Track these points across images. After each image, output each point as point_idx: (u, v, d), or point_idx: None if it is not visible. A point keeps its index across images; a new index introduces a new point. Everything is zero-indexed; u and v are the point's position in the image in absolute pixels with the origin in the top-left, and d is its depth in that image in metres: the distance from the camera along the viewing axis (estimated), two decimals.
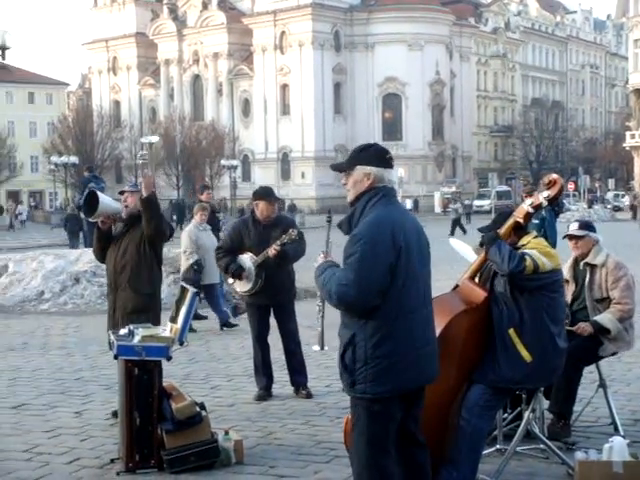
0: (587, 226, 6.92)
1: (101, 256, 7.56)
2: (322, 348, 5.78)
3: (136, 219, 7.27)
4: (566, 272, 6.82)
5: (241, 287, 8.35)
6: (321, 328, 5.49)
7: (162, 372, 6.29)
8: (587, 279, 6.68)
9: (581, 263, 6.78)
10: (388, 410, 4.37)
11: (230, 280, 8.61)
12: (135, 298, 7.17)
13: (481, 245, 5.65)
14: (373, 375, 4.28)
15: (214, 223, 14.02)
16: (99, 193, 7.51)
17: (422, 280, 4.46)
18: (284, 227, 8.12)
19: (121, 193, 7.51)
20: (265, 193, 8.39)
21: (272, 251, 7.94)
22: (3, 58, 22.44)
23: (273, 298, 8.21)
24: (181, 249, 13.13)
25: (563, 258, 5.95)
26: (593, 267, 6.68)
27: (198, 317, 12.64)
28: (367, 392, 4.31)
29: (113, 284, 7.35)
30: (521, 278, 5.34)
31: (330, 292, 4.32)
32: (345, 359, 4.35)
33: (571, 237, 6.80)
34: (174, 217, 47.52)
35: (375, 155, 4.50)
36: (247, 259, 8.17)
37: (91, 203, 7.38)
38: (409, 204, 54.52)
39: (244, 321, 13.37)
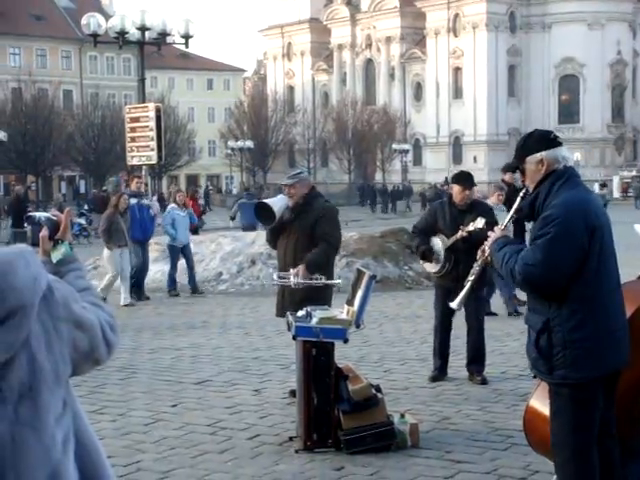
0: None
1: (274, 243, 7.78)
2: (459, 308, 5.66)
3: (302, 207, 7.41)
4: None
5: (430, 268, 8.48)
6: (466, 290, 5.33)
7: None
8: None
9: None
10: (593, 395, 4.28)
11: (422, 260, 8.70)
12: (305, 287, 7.27)
13: None
14: (572, 359, 4.21)
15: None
16: (267, 201, 7.70)
17: (613, 260, 4.37)
18: (479, 213, 8.05)
19: (280, 187, 7.75)
20: (459, 177, 8.51)
21: (459, 236, 7.94)
22: (187, 46, 23.13)
23: (461, 282, 8.18)
24: None
25: None
26: None
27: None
28: (568, 377, 4.24)
29: (284, 271, 7.51)
30: None
31: (513, 271, 4.26)
32: (540, 345, 4.27)
33: None
34: None
35: (539, 139, 4.42)
36: (438, 242, 8.24)
37: (263, 214, 7.56)
38: (597, 188, 52.22)
39: (416, 304, 13.41)
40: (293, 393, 7.19)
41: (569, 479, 4.34)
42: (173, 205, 16.19)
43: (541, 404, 5.02)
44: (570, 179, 4.33)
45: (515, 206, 4.61)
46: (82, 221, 34.56)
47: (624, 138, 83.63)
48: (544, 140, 4.40)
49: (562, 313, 4.22)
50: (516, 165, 4.52)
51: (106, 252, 14.54)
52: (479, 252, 4.74)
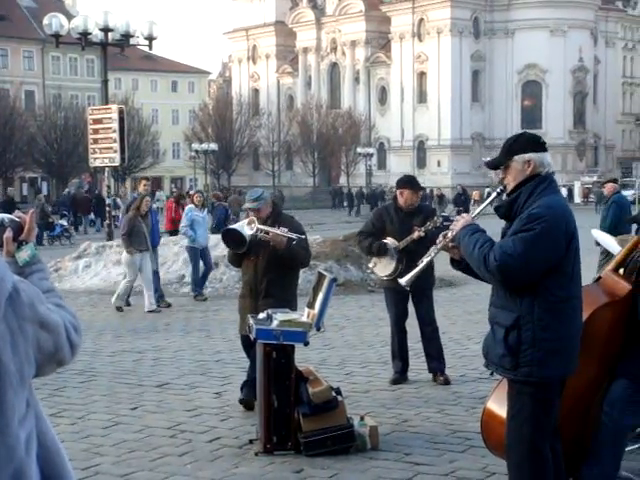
0: None
1: (239, 263, 7.56)
2: (407, 285, 5.41)
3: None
4: None
5: (382, 271, 8.43)
6: (419, 269, 5.26)
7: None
8: None
9: None
10: (553, 395, 4.37)
11: (371, 264, 8.70)
12: (274, 304, 7.08)
13: (634, 221, 5.51)
14: (539, 358, 4.28)
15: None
16: (235, 226, 7.58)
17: (580, 267, 4.49)
18: (425, 215, 8.15)
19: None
20: (410, 182, 8.49)
21: (416, 235, 7.94)
22: (150, 48, 23.04)
23: (413, 284, 8.21)
24: None
25: None
26: None
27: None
28: (532, 375, 4.30)
29: (254, 290, 7.30)
30: None
31: (488, 256, 4.29)
32: (509, 341, 4.32)
33: None
34: None
35: (530, 141, 4.53)
36: (389, 244, 8.25)
37: (231, 239, 7.36)
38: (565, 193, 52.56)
39: (379, 307, 13.45)
40: (241, 401, 7.28)
41: (525, 477, 4.39)
42: (191, 206, 15.83)
43: (498, 407, 5.07)
44: (552, 185, 4.45)
45: (488, 200, 4.68)
46: (64, 222, 34.18)
47: (585, 144, 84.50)
48: (534, 143, 4.51)
49: (534, 311, 4.29)
50: (499, 162, 4.57)
51: (125, 256, 13.95)
52: (440, 236, 4.73)
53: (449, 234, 4.62)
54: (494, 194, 4.62)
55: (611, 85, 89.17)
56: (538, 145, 4.50)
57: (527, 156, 4.42)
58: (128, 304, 14.37)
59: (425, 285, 8.18)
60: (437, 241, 4.79)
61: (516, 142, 4.52)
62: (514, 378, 4.38)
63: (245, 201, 7.52)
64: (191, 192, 17.23)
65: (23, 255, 2.67)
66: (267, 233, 7.02)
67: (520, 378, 4.33)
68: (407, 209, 8.29)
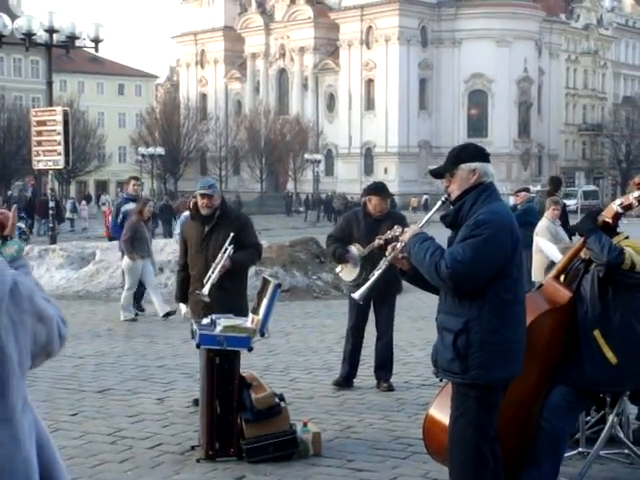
0: None
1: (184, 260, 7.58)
2: (360, 300, 5.55)
3: (219, 219, 7.27)
4: None
5: (347, 277, 8.47)
6: (370, 283, 5.29)
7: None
8: None
9: None
10: (497, 398, 4.44)
11: (338, 268, 8.71)
12: (227, 299, 7.11)
13: (574, 233, 5.59)
14: (487, 361, 4.33)
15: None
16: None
17: (523, 273, 4.62)
18: (393, 222, 8.10)
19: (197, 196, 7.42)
20: (379, 188, 8.52)
21: (377, 243, 7.96)
22: (96, 50, 22.81)
23: (376, 290, 8.22)
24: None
25: None
26: None
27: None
28: (480, 378, 4.35)
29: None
30: (617, 272, 5.27)
31: (439, 263, 4.35)
32: (458, 345, 4.38)
33: None
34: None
35: (477, 152, 4.67)
36: (355, 250, 8.28)
37: None
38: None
39: (324, 313, 13.47)
40: (197, 402, 7.12)
41: (468, 477, 4.41)
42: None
43: (440, 413, 5.10)
44: (494, 193, 4.58)
45: (434, 208, 4.70)
46: (22, 224, 33.60)
47: (530, 154, 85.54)
48: (481, 153, 4.66)
49: (482, 315, 4.35)
50: (445, 170, 4.61)
51: (127, 262, 13.28)
52: (389, 248, 4.78)
53: (398, 245, 4.66)
54: (439, 202, 4.68)
55: (555, 96, 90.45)
56: (483, 156, 4.65)
57: (473, 165, 4.54)
58: (142, 309, 13.91)
59: (389, 291, 8.16)
60: (387, 253, 4.82)
61: (463, 151, 4.66)
62: (462, 381, 4.42)
63: (197, 189, 7.40)
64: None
65: (9, 250, 2.68)
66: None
67: (468, 381, 4.39)
68: (375, 216, 8.31)
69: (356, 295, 5.42)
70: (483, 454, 4.41)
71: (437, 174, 4.74)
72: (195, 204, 7.41)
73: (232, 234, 7.04)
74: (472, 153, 4.64)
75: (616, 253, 5.27)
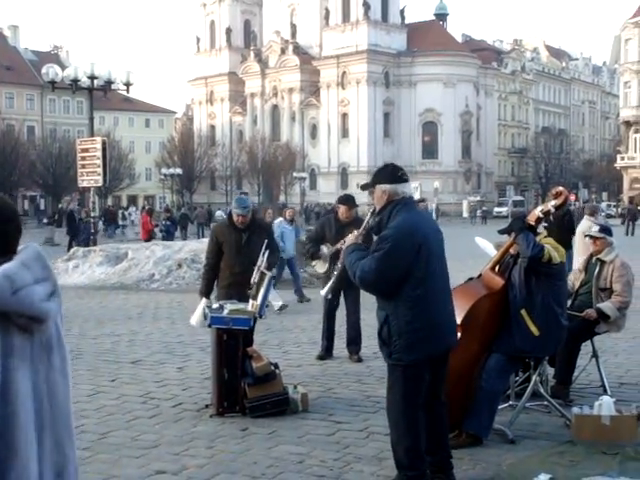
0: (605, 230, 6.83)
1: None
2: (327, 295, 5.58)
3: (254, 228, 7.05)
4: (581, 263, 6.80)
5: (320, 269, 8.48)
6: (332, 282, 5.25)
7: (251, 338, 6.34)
8: (597, 271, 6.59)
9: (594, 258, 6.69)
10: (420, 373, 4.35)
11: (313, 263, 8.69)
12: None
13: (508, 232, 5.58)
14: (406, 346, 4.25)
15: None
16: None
17: (441, 266, 4.40)
18: (357, 227, 8.05)
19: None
20: (346, 199, 8.47)
21: (339, 245, 7.95)
22: (128, 92, 22.73)
23: (343, 281, 8.22)
24: None
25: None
26: (603, 262, 6.59)
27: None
28: (402, 360, 4.29)
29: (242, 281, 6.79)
30: (538, 264, 5.30)
31: (355, 274, 4.32)
32: (382, 335, 4.33)
33: (591, 237, 6.72)
34: None
35: (388, 174, 4.40)
36: (325, 249, 8.33)
37: None
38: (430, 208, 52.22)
39: (312, 301, 13.44)
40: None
41: (400, 435, 4.38)
42: (281, 219, 14.48)
43: None
44: (406, 206, 4.33)
45: (367, 219, 4.62)
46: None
47: (471, 171, 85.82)
48: (392, 176, 4.39)
49: (397, 310, 4.26)
50: (366, 187, 4.55)
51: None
52: (342, 254, 4.76)
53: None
54: (369, 213, 4.55)
55: (490, 126, 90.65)
56: (395, 178, 4.36)
57: (383, 187, 4.34)
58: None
59: (354, 284, 8.12)
60: (341, 257, 4.82)
61: (377, 174, 4.44)
62: (389, 362, 4.38)
63: (233, 207, 7.17)
64: (285, 208, 15.11)
65: None
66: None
67: (393, 362, 4.33)
68: (344, 221, 8.27)
69: (323, 292, 5.51)
70: (410, 416, 4.32)
71: (365, 189, 4.67)
72: (230, 217, 7.14)
73: (266, 240, 6.73)
74: (384, 176, 4.37)
75: (538, 249, 5.30)
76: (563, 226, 13.72)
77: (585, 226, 10.61)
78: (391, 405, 4.42)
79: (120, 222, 44.90)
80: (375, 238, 4.40)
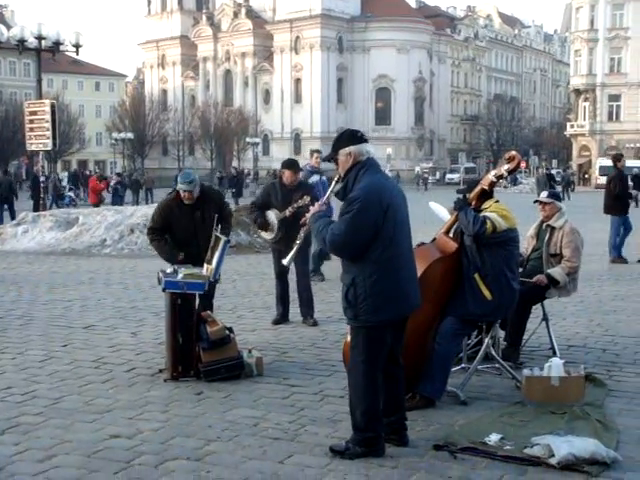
0: (553, 195, 6.94)
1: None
2: (288, 264, 5.56)
3: (202, 201, 6.84)
4: (532, 230, 6.88)
5: (267, 236, 8.40)
6: (294, 251, 5.22)
7: (211, 302, 6.26)
8: (547, 237, 6.68)
9: (544, 224, 6.77)
10: (382, 335, 4.36)
11: (259, 230, 8.62)
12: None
13: (455, 209, 5.62)
14: (374, 307, 4.27)
15: None
16: None
17: (406, 229, 4.44)
18: (303, 192, 8.03)
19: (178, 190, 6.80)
20: (291, 164, 8.38)
21: (288, 212, 7.93)
22: (77, 54, 22.15)
23: (290, 245, 8.18)
24: None
25: None
26: (553, 229, 6.68)
27: None
28: (368, 321, 4.29)
29: (195, 254, 6.70)
30: (482, 237, 5.34)
31: (324, 238, 4.31)
32: (348, 297, 4.32)
33: (540, 202, 6.80)
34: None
35: (349, 137, 4.41)
36: (272, 215, 8.18)
37: None
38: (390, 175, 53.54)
39: (263, 264, 13.41)
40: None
41: (359, 395, 4.40)
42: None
43: None
44: (371, 167, 4.35)
45: (331, 187, 4.59)
46: (71, 194, 35.01)
47: (424, 138, 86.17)
48: (353, 138, 4.40)
49: (365, 272, 4.27)
50: (329, 157, 4.50)
51: None
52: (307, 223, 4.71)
53: (307, 221, 4.57)
54: (334, 181, 4.52)
55: (443, 93, 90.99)
56: (356, 138, 4.38)
57: (347, 149, 4.34)
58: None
59: (301, 245, 8.10)
60: (303, 227, 4.78)
61: (338, 140, 4.43)
62: (355, 324, 4.38)
63: (178, 183, 6.81)
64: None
65: None
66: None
67: (359, 324, 4.34)
68: (289, 186, 8.18)
69: (285, 262, 5.48)
70: (371, 376, 4.35)
71: (327, 160, 4.63)
72: (178, 193, 6.84)
73: (216, 215, 6.56)
74: (346, 139, 4.37)
75: (479, 225, 5.30)
76: (610, 193, 13.70)
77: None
78: (353, 365, 4.44)
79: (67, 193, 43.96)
80: (342, 204, 4.36)
